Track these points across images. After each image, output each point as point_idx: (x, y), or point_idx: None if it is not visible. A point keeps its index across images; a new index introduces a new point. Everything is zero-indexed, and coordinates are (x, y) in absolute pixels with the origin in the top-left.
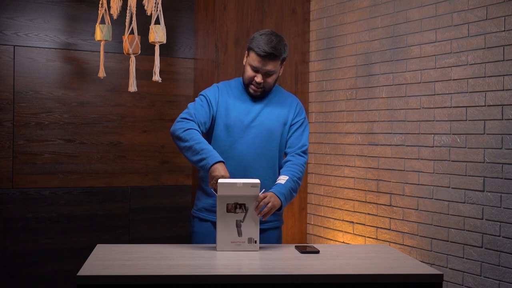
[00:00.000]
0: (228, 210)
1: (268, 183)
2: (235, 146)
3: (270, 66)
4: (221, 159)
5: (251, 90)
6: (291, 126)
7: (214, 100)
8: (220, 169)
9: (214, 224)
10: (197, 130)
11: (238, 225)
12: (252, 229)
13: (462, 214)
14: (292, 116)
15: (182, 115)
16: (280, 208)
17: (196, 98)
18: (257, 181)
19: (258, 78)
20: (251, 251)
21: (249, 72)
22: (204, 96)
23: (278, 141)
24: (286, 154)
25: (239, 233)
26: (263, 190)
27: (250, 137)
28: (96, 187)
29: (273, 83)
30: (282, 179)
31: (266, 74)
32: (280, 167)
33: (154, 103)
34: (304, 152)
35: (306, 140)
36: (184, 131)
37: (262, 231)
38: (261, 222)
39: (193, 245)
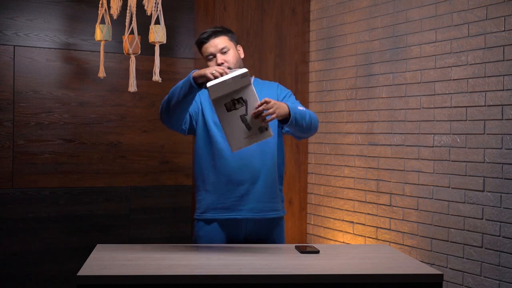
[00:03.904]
0: (228, 110)
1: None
2: None
3: (219, 44)
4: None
5: None
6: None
7: (197, 97)
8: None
9: (220, 222)
10: None
11: (244, 120)
12: (259, 118)
13: (462, 214)
14: (275, 97)
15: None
16: (287, 121)
17: None
18: (245, 70)
19: (219, 59)
20: (266, 138)
21: (210, 63)
22: None
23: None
24: None
25: (248, 127)
26: (253, 77)
27: None
28: (96, 187)
29: (234, 61)
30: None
31: (222, 53)
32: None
33: (154, 103)
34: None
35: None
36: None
37: (266, 221)
38: (260, 211)
39: (193, 245)
